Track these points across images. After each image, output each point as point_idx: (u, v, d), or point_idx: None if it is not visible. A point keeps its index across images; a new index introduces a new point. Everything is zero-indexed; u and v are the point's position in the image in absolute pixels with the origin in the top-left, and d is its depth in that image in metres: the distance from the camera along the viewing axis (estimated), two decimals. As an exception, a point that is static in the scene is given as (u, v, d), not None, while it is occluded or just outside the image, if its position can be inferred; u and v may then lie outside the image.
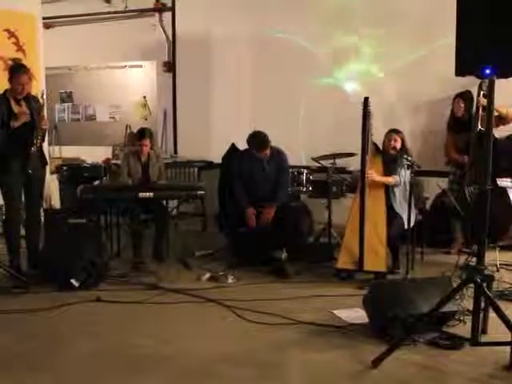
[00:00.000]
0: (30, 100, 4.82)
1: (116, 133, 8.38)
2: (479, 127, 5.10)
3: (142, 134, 5.63)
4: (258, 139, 5.45)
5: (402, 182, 5.02)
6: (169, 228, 5.70)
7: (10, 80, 4.78)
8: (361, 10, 6.78)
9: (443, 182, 5.80)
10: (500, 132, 5.38)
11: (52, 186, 6.82)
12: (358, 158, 4.95)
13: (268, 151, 5.45)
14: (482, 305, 3.29)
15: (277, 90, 7.22)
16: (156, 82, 8.30)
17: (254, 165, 5.50)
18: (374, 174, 4.95)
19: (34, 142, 4.75)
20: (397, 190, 5.05)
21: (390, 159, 5.10)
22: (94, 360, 3.30)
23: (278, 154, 5.57)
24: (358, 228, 4.78)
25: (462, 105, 5.63)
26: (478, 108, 5.16)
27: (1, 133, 4.68)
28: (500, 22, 3.00)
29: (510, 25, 2.96)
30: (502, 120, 5.23)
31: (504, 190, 5.20)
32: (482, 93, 5.07)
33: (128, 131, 8.25)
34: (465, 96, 5.64)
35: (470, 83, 5.08)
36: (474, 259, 3.40)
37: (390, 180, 5.02)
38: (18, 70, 4.80)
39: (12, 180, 4.84)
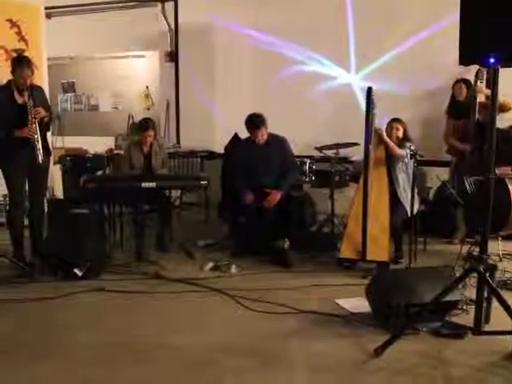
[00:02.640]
0: (33, 90, 4.82)
1: (119, 123, 8.36)
2: (477, 116, 5.11)
3: (146, 125, 5.60)
4: (251, 118, 5.39)
5: (405, 167, 5.01)
6: (171, 218, 5.71)
7: (13, 72, 4.80)
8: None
9: (445, 173, 5.80)
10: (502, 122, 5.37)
11: (55, 176, 6.82)
12: (361, 148, 4.95)
13: (264, 132, 5.38)
14: (485, 294, 3.29)
15: (280, 80, 7.21)
16: (159, 71, 8.28)
17: (255, 152, 5.42)
18: (384, 134, 5.00)
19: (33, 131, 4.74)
20: (401, 177, 5.04)
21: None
22: (96, 349, 3.31)
23: (278, 141, 5.49)
24: (361, 217, 4.78)
25: (464, 87, 5.64)
26: (475, 96, 5.16)
27: (2, 125, 4.71)
28: (504, 11, 2.98)
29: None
30: (499, 108, 5.21)
31: (502, 180, 5.18)
32: (478, 81, 5.08)
33: (131, 121, 8.24)
34: (466, 80, 5.65)
35: (463, 71, 5.11)
36: (477, 249, 3.40)
37: (397, 149, 4.99)
38: (19, 63, 4.81)
39: (16, 170, 4.85)
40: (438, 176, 5.59)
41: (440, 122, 6.04)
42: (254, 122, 5.36)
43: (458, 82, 5.76)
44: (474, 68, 5.15)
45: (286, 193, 5.40)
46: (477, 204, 3.35)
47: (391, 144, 5.01)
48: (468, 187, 5.11)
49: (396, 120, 5.20)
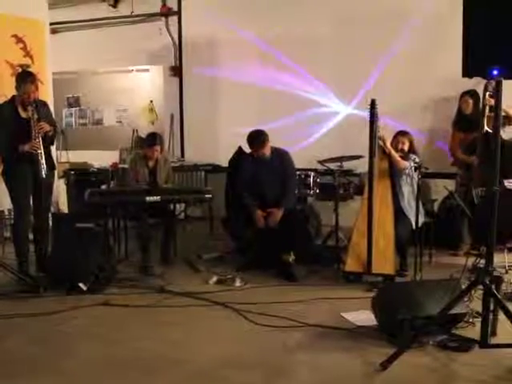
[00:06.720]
0: (38, 105, 4.84)
1: (123, 137, 8.38)
2: (486, 128, 5.10)
3: (153, 140, 5.61)
4: (252, 137, 5.38)
5: (410, 179, 5.00)
6: (176, 231, 5.70)
7: (17, 88, 4.84)
8: (366, 9, 6.79)
9: (451, 185, 5.80)
10: (508, 133, 5.37)
11: (59, 190, 6.83)
12: (365, 160, 4.95)
13: (266, 150, 5.36)
14: (491, 307, 3.28)
15: (283, 93, 7.22)
16: (163, 86, 8.32)
17: (259, 167, 5.42)
18: (388, 145, 4.98)
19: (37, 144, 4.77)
20: (405, 190, 5.03)
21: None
22: (101, 363, 3.30)
23: (280, 154, 5.48)
24: (366, 230, 4.77)
25: (471, 101, 5.63)
26: (484, 108, 5.15)
27: (6, 140, 4.75)
28: (507, 23, 2.99)
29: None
30: (509, 120, 5.21)
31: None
32: (487, 93, 5.07)
33: (135, 135, 8.26)
34: (472, 93, 5.64)
35: (475, 83, 5.08)
36: (483, 261, 3.39)
37: (400, 160, 4.97)
38: (24, 79, 4.85)
39: (20, 185, 4.87)
40: (445, 186, 5.57)
41: (446, 133, 6.04)
42: (255, 140, 5.35)
43: (464, 95, 5.74)
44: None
45: (291, 206, 5.40)
46: (485, 216, 3.34)
47: (394, 154, 4.99)
48: (475, 199, 5.10)
49: (402, 133, 5.18)
